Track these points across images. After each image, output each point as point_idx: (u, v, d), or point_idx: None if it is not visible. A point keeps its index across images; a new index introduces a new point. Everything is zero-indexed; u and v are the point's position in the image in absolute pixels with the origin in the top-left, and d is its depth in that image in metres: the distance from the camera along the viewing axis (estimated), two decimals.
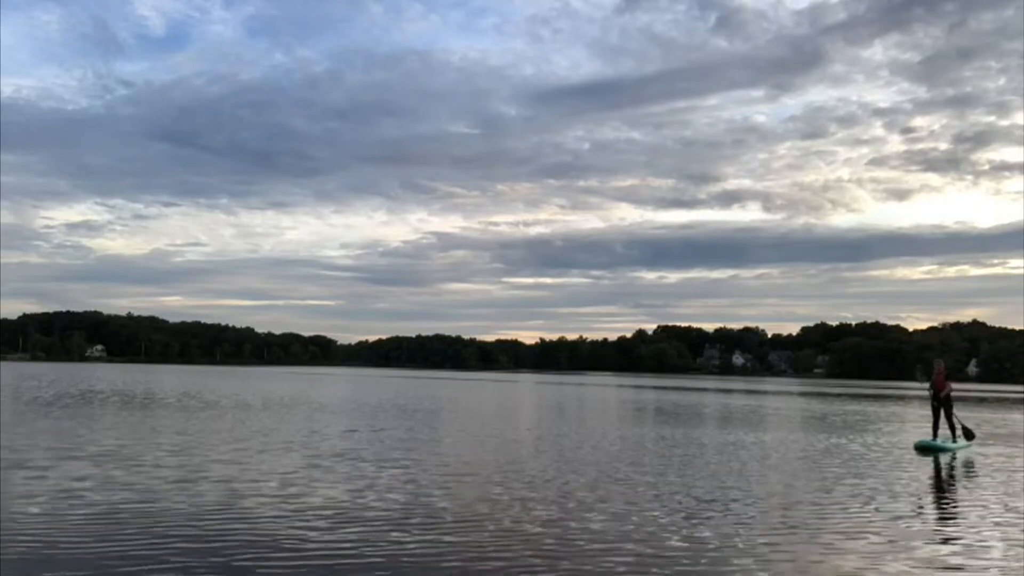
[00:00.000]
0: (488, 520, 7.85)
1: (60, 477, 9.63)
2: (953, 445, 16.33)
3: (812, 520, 8.33)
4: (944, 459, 14.72)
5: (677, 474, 11.44)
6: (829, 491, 10.25)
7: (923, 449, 16.11)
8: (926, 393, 17.46)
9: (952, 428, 16.83)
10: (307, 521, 7.57)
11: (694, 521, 8.06)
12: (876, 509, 9.05)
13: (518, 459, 12.71)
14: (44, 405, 22.87)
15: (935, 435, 16.77)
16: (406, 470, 11.15)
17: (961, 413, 19.52)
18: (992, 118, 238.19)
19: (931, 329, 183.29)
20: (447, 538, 7.03)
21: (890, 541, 7.38)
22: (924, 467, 13.52)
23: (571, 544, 6.94)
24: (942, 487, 11.35)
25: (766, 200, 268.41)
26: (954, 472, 13.10)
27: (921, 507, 9.46)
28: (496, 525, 7.60)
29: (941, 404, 16.88)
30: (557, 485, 10.15)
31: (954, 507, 9.52)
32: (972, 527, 8.21)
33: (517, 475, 10.93)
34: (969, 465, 13.98)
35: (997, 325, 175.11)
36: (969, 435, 16.79)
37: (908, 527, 8.13)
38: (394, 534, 7.16)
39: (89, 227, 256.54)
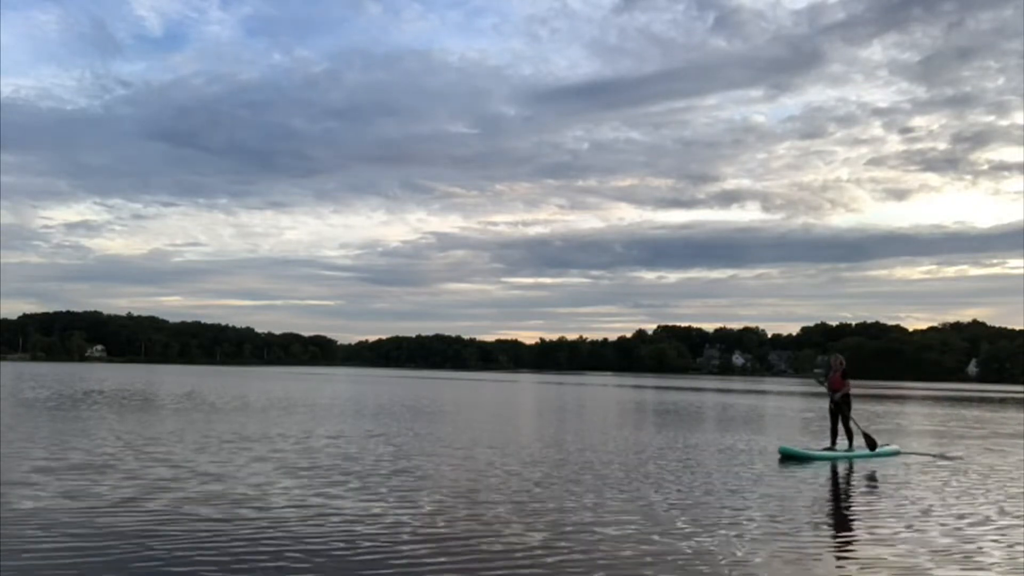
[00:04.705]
0: (494, 547, 7.68)
1: (33, 493, 9.42)
2: (826, 454, 14.12)
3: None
4: (807, 472, 12.37)
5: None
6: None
7: (788, 457, 13.81)
8: (826, 394, 15.25)
9: (849, 434, 14.67)
10: (296, 540, 7.47)
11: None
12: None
13: (523, 468, 12.59)
14: (39, 408, 22.85)
15: (833, 442, 14.72)
16: (407, 481, 11.06)
17: (959, 412, 19.48)
18: (991, 118, 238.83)
19: (931, 329, 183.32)
20: (445, 560, 6.88)
21: None
22: (764, 481, 11.08)
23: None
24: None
25: (765, 200, 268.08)
26: (789, 492, 10.28)
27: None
28: (495, 547, 7.45)
29: (837, 407, 14.82)
30: (556, 497, 10.11)
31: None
32: None
33: (522, 487, 10.82)
34: (830, 481, 11.62)
35: (997, 325, 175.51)
36: (872, 444, 14.62)
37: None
38: (393, 558, 7.09)
39: (88, 227, 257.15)
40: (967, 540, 7.60)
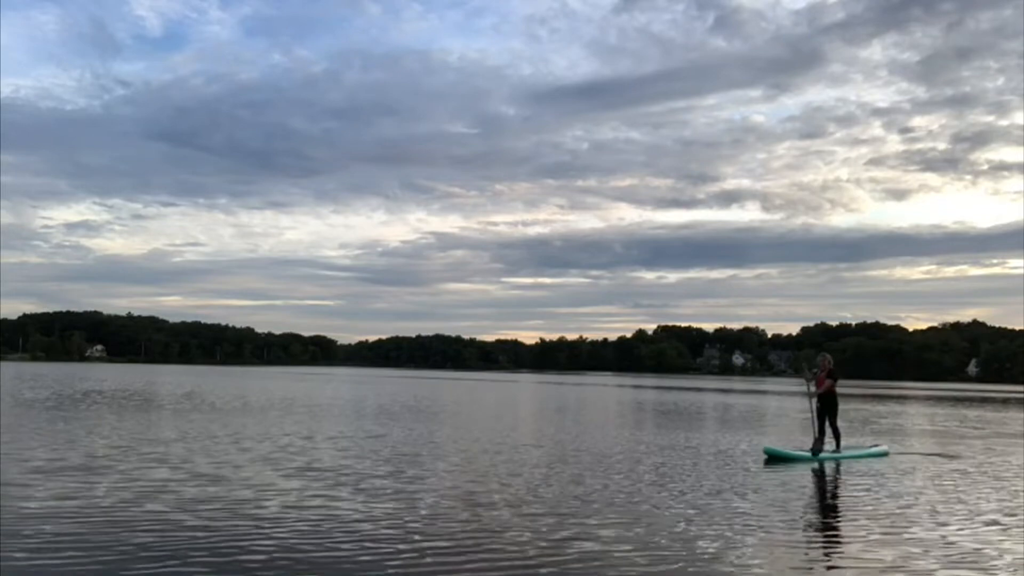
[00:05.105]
0: (496, 551, 7.57)
1: (29, 495, 9.37)
2: (812, 455, 13.89)
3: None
4: (797, 473, 12.16)
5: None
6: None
7: (773, 458, 13.64)
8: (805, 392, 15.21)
9: (836, 435, 14.46)
10: (294, 543, 7.38)
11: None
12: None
13: (524, 469, 12.48)
14: (38, 408, 22.80)
15: (820, 443, 14.36)
16: (406, 483, 10.99)
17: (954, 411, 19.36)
18: (991, 118, 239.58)
19: (931, 329, 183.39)
20: (445, 564, 6.79)
21: None
22: (764, 482, 10.93)
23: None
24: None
25: (765, 200, 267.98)
26: (790, 494, 10.07)
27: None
28: (497, 551, 7.35)
29: (824, 406, 14.56)
30: (558, 499, 10.03)
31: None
32: None
33: (522, 489, 10.72)
34: (823, 483, 11.56)
35: (997, 325, 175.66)
36: (817, 450, 14.18)
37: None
38: (393, 562, 7.01)
39: (88, 227, 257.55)
40: (975, 542, 7.52)
